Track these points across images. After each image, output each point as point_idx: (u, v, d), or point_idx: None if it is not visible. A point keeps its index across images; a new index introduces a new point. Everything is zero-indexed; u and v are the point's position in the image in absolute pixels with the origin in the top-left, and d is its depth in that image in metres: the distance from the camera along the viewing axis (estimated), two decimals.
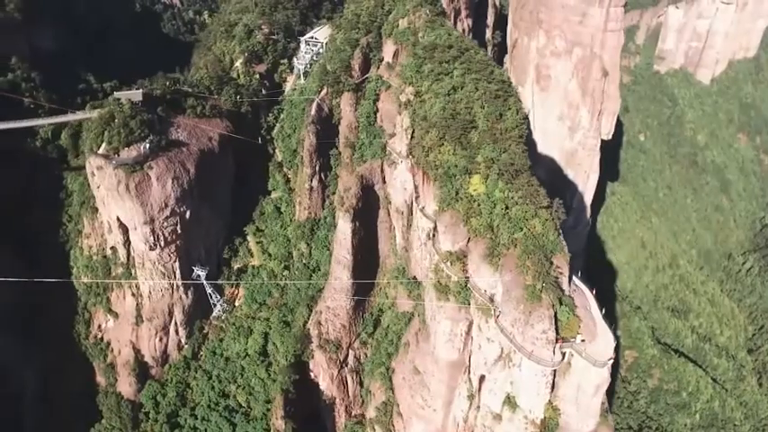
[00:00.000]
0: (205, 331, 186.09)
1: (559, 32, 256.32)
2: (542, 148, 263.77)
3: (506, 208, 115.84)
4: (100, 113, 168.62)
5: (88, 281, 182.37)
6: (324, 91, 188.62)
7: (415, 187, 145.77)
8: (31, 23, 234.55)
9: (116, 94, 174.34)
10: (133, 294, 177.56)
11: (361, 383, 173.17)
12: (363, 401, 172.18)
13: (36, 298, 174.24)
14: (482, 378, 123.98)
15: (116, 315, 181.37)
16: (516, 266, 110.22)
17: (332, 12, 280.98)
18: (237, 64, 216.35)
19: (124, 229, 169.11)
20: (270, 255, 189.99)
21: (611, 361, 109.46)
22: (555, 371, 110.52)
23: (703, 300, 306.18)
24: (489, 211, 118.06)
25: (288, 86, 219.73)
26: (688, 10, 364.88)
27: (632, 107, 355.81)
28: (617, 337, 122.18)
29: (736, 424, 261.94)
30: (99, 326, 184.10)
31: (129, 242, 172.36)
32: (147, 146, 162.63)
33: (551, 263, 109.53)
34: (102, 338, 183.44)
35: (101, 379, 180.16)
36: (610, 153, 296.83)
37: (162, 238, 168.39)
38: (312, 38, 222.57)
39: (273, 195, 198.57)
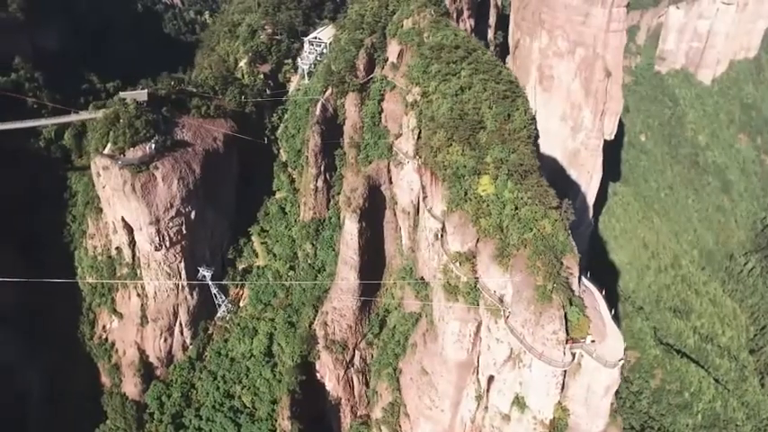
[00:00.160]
0: (210, 332, 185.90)
1: (562, 33, 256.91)
2: (545, 148, 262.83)
3: (516, 208, 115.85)
4: (105, 113, 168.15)
5: (93, 281, 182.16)
6: (328, 91, 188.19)
7: (423, 188, 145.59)
8: (34, 23, 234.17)
9: (121, 94, 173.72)
10: (138, 295, 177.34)
11: (366, 384, 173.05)
12: (369, 402, 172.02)
13: (40, 298, 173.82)
14: (491, 378, 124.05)
15: (121, 316, 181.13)
16: (526, 267, 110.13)
17: (334, 12, 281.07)
18: (242, 64, 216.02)
19: (129, 230, 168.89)
20: (275, 255, 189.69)
21: (622, 362, 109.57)
22: (565, 371, 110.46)
23: (705, 300, 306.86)
24: (499, 211, 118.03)
25: (292, 87, 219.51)
26: (689, 10, 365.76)
27: (633, 107, 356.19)
28: None
29: (738, 424, 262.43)
30: (104, 326, 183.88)
31: (135, 242, 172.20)
32: (153, 146, 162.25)
33: (561, 263, 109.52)
34: (106, 339, 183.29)
35: (105, 379, 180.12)
36: (611, 153, 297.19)
37: (167, 238, 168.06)
38: (316, 38, 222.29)
39: (278, 196, 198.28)
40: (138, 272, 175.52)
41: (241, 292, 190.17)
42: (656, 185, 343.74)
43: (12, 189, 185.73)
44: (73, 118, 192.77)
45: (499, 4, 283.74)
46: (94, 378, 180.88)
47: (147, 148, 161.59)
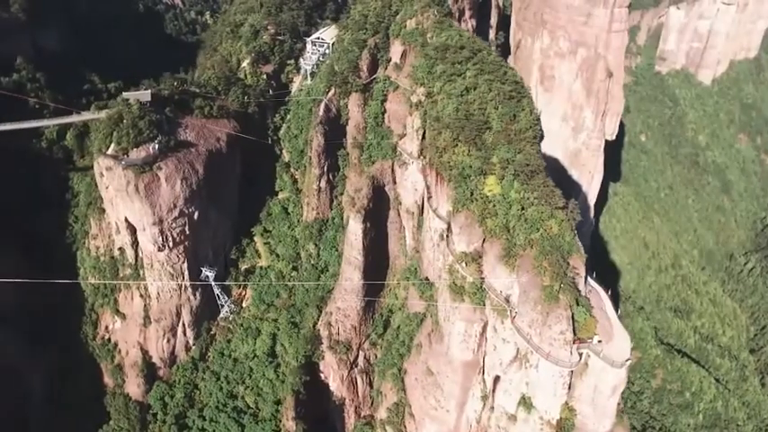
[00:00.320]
0: (212, 332, 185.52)
1: (564, 33, 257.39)
2: (546, 148, 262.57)
3: (522, 209, 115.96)
4: (108, 114, 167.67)
5: (95, 282, 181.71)
6: (332, 91, 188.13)
7: (427, 188, 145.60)
8: (36, 24, 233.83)
9: (125, 94, 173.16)
10: (141, 295, 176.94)
11: (370, 384, 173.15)
12: (373, 402, 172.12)
13: (43, 299, 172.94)
14: (496, 379, 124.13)
15: (123, 316, 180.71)
16: (533, 267, 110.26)
17: (336, 12, 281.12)
18: (245, 64, 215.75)
19: (132, 230, 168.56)
20: (278, 255, 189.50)
21: (629, 362, 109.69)
22: (572, 371, 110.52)
23: (705, 300, 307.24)
24: (505, 211, 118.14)
25: (294, 87, 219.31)
26: (689, 10, 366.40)
27: (633, 107, 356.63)
28: None
29: (739, 424, 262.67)
30: (106, 327, 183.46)
31: (138, 243, 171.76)
32: (156, 146, 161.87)
33: (568, 264, 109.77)
34: (109, 339, 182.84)
35: (108, 380, 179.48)
36: (611, 153, 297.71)
37: (170, 238, 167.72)
38: (318, 38, 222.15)
39: (281, 196, 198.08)
40: (141, 272, 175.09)
41: (244, 293, 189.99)
42: (656, 185, 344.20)
43: (14, 189, 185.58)
44: (76, 118, 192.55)
45: (500, 4, 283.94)
46: (97, 379, 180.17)
47: (151, 148, 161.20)
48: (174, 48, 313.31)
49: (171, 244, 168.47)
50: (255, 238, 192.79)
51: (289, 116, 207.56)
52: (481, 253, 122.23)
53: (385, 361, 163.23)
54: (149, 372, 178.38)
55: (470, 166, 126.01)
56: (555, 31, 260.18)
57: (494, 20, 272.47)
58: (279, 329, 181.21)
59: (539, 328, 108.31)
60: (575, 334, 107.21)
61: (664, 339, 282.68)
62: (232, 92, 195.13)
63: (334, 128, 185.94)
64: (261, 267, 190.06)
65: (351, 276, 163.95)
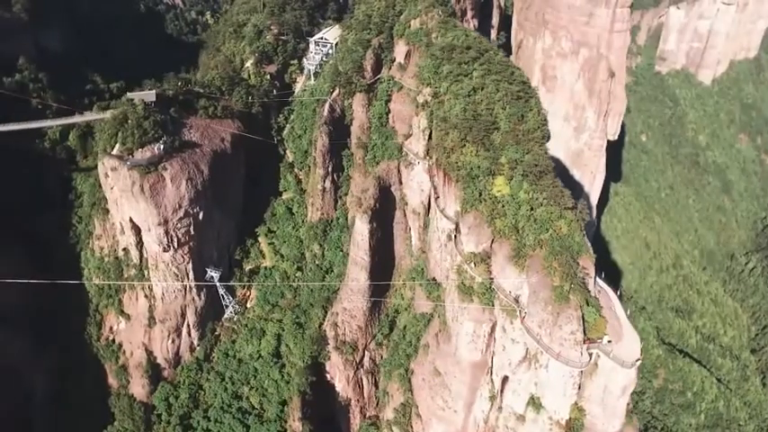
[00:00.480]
0: (217, 333, 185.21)
1: (566, 33, 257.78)
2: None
3: (531, 209, 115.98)
4: (113, 114, 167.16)
5: (100, 282, 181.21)
6: (336, 92, 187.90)
7: (434, 188, 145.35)
8: (38, 24, 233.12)
9: (129, 94, 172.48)
10: (146, 296, 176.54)
11: (376, 385, 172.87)
12: (378, 403, 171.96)
13: (46, 299, 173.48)
14: (505, 379, 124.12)
15: (128, 317, 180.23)
16: (543, 267, 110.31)
17: (337, 12, 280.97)
18: (248, 64, 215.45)
19: (137, 231, 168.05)
20: (282, 256, 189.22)
21: (639, 362, 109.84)
22: (582, 371, 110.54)
23: (707, 300, 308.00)
24: (514, 212, 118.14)
25: (298, 87, 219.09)
26: (689, 10, 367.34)
27: (634, 108, 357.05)
28: None
29: (741, 424, 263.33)
30: (110, 327, 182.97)
31: (142, 243, 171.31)
32: (161, 147, 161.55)
33: (578, 264, 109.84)
34: (113, 340, 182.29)
35: (113, 381, 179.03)
36: (612, 153, 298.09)
37: (175, 239, 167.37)
38: (322, 38, 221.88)
39: (285, 196, 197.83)
40: (146, 273, 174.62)
41: (248, 293, 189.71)
42: (656, 185, 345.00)
43: (17, 190, 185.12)
44: (79, 119, 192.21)
45: (502, 4, 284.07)
46: (102, 379, 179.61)
47: (156, 148, 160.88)
48: (174, 48, 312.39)
49: (176, 244, 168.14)
50: (260, 239, 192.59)
51: (292, 116, 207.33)
52: (490, 253, 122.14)
53: (391, 361, 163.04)
54: (154, 372, 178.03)
55: (479, 167, 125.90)
56: (557, 32, 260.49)
57: (495, 20, 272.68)
58: (283, 330, 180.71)
59: (549, 329, 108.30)
60: (585, 334, 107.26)
61: (665, 339, 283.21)
62: (236, 92, 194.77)
63: (339, 128, 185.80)
64: (265, 268, 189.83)
65: (357, 277, 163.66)
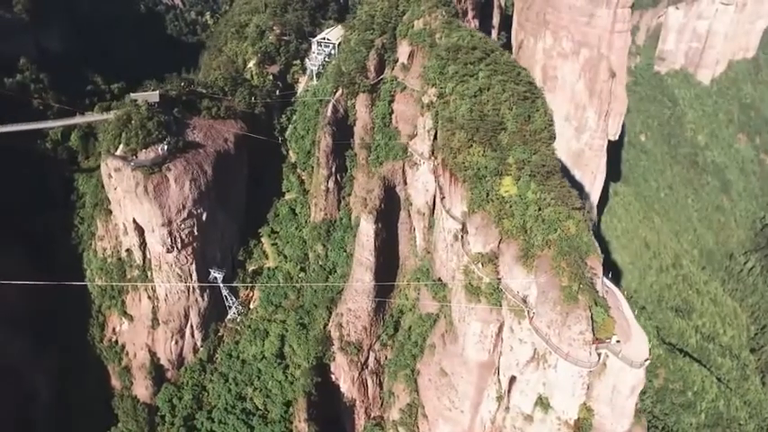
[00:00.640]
0: (220, 334, 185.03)
1: (566, 33, 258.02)
2: None
3: (539, 209, 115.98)
4: (117, 115, 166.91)
5: (102, 283, 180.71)
6: (339, 92, 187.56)
7: (440, 188, 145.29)
8: (38, 24, 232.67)
9: (133, 95, 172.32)
10: (149, 297, 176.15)
11: (380, 385, 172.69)
12: (383, 403, 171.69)
13: (49, 300, 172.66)
14: (512, 379, 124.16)
15: (131, 318, 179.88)
16: (551, 268, 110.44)
17: (339, 13, 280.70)
18: (251, 65, 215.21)
19: (140, 231, 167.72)
20: (285, 257, 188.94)
21: (648, 362, 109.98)
22: (591, 371, 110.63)
23: (706, 299, 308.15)
24: (522, 212, 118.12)
25: (300, 87, 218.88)
26: (688, 11, 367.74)
27: (633, 108, 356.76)
28: None
29: (741, 423, 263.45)
30: (114, 329, 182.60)
31: (145, 244, 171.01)
32: (165, 147, 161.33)
33: (586, 264, 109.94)
34: (116, 341, 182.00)
35: (116, 382, 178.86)
36: (612, 153, 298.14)
37: (179, 240, 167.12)
38: (324, 39, 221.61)
39: (288, 197, 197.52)
40: (149, 274, 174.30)
41: (251, 294, 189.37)
42: (655, 185, 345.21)
43: (19, 190, 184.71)
44: (81, 120, 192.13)
45: (502, 4, 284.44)
46: (105, 381, 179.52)
47: (160, 149, 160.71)
48: (174, 48, 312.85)
49: (179, 245, 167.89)
50: (263, 239, 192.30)
51: (295, 117, 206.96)
52: (497, 254, 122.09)
53: (397, 362, 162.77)
54: (157, 374, 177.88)
55: (486, 167, 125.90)
56: (558, 32, 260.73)
57: (496, 20, 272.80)
58: (287, 331, 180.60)
59: (558, 329, 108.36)
60: (593, 334, 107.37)
61: (665, 339, 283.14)
62: (239, 92, 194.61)
63: (342, 128, 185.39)
64: (268, 268, 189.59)
65: (362, 277, 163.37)
